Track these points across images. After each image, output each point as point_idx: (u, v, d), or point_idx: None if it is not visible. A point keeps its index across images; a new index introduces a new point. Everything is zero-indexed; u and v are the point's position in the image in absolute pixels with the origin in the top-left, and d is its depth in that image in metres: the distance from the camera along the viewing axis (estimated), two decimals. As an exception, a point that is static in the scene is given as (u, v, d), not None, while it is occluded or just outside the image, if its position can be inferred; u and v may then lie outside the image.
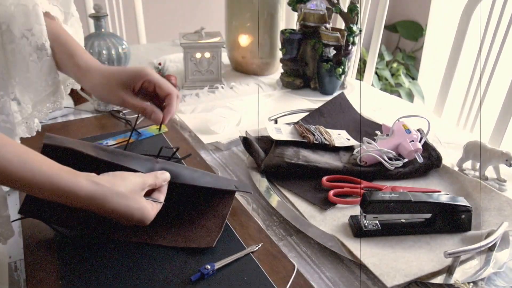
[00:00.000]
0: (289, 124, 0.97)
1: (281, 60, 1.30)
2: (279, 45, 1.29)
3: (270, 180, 0.82)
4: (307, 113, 1.03)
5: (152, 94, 0.73)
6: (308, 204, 0.76)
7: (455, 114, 1.32)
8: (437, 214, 0.67)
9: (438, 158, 0.84)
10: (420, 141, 0.84)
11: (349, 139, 0.94)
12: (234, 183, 0.73)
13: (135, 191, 0.57)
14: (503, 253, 0.64)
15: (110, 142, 0.94)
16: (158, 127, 0.73)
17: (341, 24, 1.48)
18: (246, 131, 0.93)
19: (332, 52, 1.23)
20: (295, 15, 1.30)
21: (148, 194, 0.62)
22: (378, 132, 0.93)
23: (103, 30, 1.24)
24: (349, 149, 0.91)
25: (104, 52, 1.21)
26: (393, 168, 0.83)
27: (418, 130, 0.88)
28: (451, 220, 0.68)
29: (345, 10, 1.21)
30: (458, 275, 0.59)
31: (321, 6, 1.22)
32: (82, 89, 0.99)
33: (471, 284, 0.58)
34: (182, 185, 0.67)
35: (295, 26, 1.40)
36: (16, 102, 0.67)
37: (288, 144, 0.87)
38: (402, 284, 0.58)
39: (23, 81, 0.67)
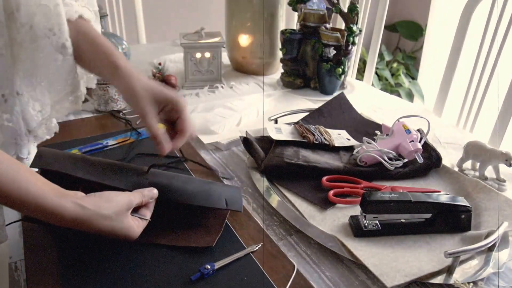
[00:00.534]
0: (289, 124, 0.97)
1: (281, 60, 1.30)
2: (279, 45, 1.29)
3: (270, 180, 0.82)
4: (307, 113, 1.03)
5: (172, 120, 0.73)
6: (308, 204, 0.76)
7: (455, 114, 1.32)
8: (437, 214, 0.67)
9: (438, 158, 0.84)
10: (420, 141, 0.84)
11: (349, 139, 0.94)
12: (226, 197, 0.71)
13: (120, 212, 0.58)
14: (503, 253, 0.64)
15: (110, 142, 0.94)
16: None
17: (341, 24, 1.48)
18: (246, 131, 0.93)
19: (332, 52, 1.22)
20: (295, 15, 1.30)
21: (136, 209, 0.63)
22: (378, 132, 0.93)
23: (103, 30, 1.24)
24: (349, 149, 0.91)
25: (104, 52, 1.21)
26: (393, 168, 0.83)
27: (418, 130, 0.88)
28: (451, 220, 0.68)
29: (345, 10, 1.21)
30: (458, 275, 0.59)
31: (321, 6, 1.22)
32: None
33: (471, 284, 0.58)
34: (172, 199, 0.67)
35: (295, 26, 1.41)
36: (39, 103, 0.67)
37: (288, 144, 0.87)
38: (402, 284, 0.58)
39: (44, 80, 0.67)
